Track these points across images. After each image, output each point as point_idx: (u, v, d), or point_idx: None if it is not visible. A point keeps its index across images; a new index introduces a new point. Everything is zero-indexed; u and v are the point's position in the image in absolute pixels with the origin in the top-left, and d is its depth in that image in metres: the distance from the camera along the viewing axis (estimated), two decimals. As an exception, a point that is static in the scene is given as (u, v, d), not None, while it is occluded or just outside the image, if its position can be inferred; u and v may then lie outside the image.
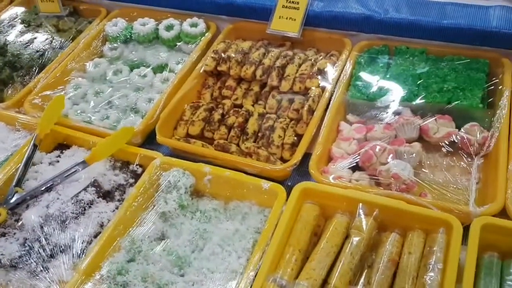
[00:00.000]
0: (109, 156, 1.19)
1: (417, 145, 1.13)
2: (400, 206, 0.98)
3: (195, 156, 1.21)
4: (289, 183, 1.17)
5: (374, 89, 1.26)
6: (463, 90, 1.19)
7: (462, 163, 1.12)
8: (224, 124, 1.28)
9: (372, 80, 1.28)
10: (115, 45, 1.59)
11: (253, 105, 1.34)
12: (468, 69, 1.24)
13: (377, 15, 1.35)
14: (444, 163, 1.14)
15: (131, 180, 1.16)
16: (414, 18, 1.32)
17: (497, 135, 1.09)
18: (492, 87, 1.22)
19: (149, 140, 1.31)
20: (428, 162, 1.15)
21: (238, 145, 1.24)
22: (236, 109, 1.32)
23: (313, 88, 1.28)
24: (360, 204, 0.99)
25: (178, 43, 1.55)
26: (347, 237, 0.97)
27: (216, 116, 1.30)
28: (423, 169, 1.14)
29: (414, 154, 1.12)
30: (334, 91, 1.27)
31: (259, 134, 1.25)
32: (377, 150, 1.10)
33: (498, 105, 1.15)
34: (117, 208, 1.09)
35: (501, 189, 0.98)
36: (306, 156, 1.14)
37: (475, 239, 0.90)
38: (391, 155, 1.10)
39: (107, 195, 1.12)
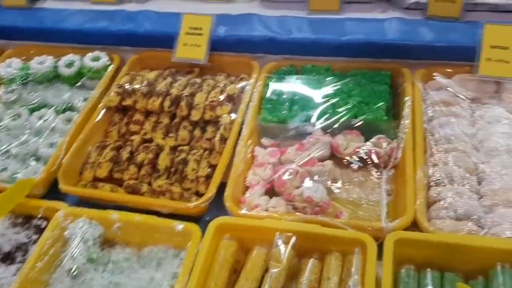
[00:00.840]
0: (9, 213, 1.11)
1: (329, 163, 1.15)
2: (315, 230, 0.99)
3: (104, 202, 1.16)
4: (208, 218, 1.14)
5: (285, 110, 1.27)
6: (368, 104, 1.24)
7: (372, 177, 1.15)
8: (133, 163, 1.23)
9: (282, 101, 1.30)
10: (11, 87, 1.50)
11: (164, 138, 1.31)
12: (372, 82, 1.29)
13: (280, 36, 1.38)
14: (356, 179, 1.17)
15: (35, 237, 1.09)
16: (316, 37, 1.36)
17: (403, 145, 1.14)
18: (396, 98, 1.28)
19: (54, 189, 1.24)
20: (342, 179, 1.18)
21: (150, 184, 1.20)
22: (146, 144, 1.28)
23: (224, 115, 1.28)
24: (277, 233, 0.99)
25: (81, 80, 1.49)
26: (266, 270, 0.96)
27: (125, 154, 1.25)
28: (337, 187, 1.16)
29: (326, 173, 1.14)
30: (245, 116, 1.27)
31: (172, 169, 1.22)
32: (290, 174, 1.11)
33: (402, 115, 1.20)
34: (18, 270, 1.01)
35: (410, 200, 1.02)
36: (224, 187, 1.13)
37: (389, 255, 0.92)
38: (304, 178, 1.11)
39: (7, 258, 1.05)
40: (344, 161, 1.19)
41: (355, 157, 1.18)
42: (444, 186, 1.06)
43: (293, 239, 0.98)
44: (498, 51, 1.19)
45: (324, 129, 1.23)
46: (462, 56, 1.24)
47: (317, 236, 0.99)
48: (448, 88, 1.25)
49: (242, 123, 1.25)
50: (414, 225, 1.00)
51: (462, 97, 1.23)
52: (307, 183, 1.10)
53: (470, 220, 0.99)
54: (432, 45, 1.27)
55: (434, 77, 1.28)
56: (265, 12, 1.47)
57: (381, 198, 1.08)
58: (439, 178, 1.05)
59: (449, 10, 1.29)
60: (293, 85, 1.33)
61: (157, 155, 1.25)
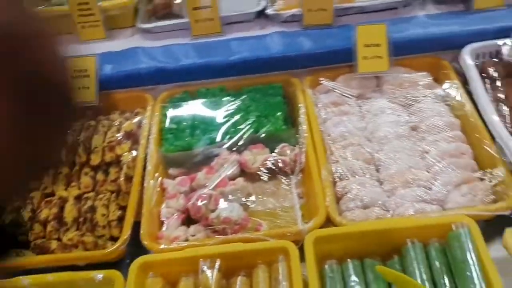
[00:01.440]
0: None
1: (240, 181, 1.20)
2: (238, 248, 1.02)
3: (13, 270, 1.09)
4: (128, 261, 1.12)
5: (187, 137, 1.30)
6: (266, 117, 1.31)
7: (283, 185, 1.22)
8: (37, 221, 1.18)
9: (183, 129, 1.33)
10: None
11: (66, 189, 1.27)
12: (266, 96, 1.37)
13: (169, 65, 1.41)
14: (269, 189, 1.23)
15: None
16: (204, 60, 1.41)
17: (305, 149, 1.22)
18: (291, 107, 1.36)
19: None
20: (255, 193, 1.23)
21: (59, 239, 1.16)
22: (48, 198, 1.24)
23: (125, 153, 1.27)
24: (201, 260, 1.01)
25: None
26: (197, 298, 0.98)
27: (26, 214, 1.19)
28: (252, 201, 1.21)
29: (239, 190, 1.18)
30: (147, 151, 1.28)
31: (81, 220, 1.18)
32: (203, 199, 1.14)
33: (299, 121, 1.29)
34: None
35: (321, 199, 1.09)
36: (139, 226, 1.12)
37: (310, 255, 0.98)
38: (218, 200, 1.14)
39: None
40: (254, 175, 1.25)
41: (264, 169, 1.24)
42: (347, 179, 1.15)
43: (217, 263, 1.01)
44: (372, 48, 1.32)
45: (230, 148, 1.28)
46: (342, 58, 1.36)
47: (241, 254, 1.02)
48: (335, 90, 1.37)
49: (145, 158, 1.26)
50: (329, 222, 1.08)
51: (348, 95, 1.35)
52: (222, 204, 1.13)
53: (376, 206, 1.09)
54: (313, 52, 1.38)
55: (321, 82, 1.39)
56: (148, 44, 1.50)
57: (294, 203, 1.15)
58: (342, 173, 1.15)
59: (323, 18, 1.41)
60: (191, 111, 1.37)
61: (62, 208, 1.20)
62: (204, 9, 1.42)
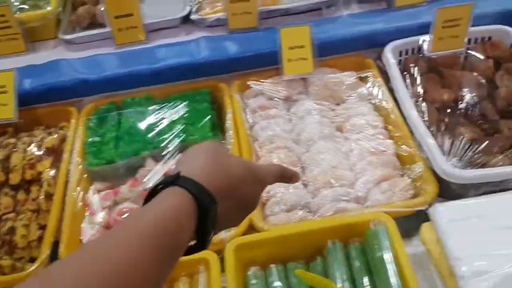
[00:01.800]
0: None
1: (165, 192, 1.19)
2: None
3: None
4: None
5: (111, 149, 1.28)
6: (193, 125, 1.30)
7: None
8: (-49, 248, 1.14)
9: (107, 141, 1.31)
10: None
11: (-14, 211, 1.23)
12: (193, 103, 1.36)
13: (93, 76, 1.39)
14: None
15: None
16: (129, 70, 1.39)
17: (231, 156, 1.22)
18: (219, 113, 1.36)
19: None
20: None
21: (-24, 265, 1.12)
22: (-35, 223, 1.20)
23: (47, 170, 1.24)
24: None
25: None
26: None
27: None
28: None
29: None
30: (70, 166, 1.25)
31: (-1, 243, 1.16)
32: (123, 213, 1.13)
33: (226, 128, 1.29)
34: None
35: (244, 206, 1.10)
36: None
37: (230, 264, 0.98)
38: (140, 212, 1.13)
39: None
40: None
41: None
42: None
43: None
44: (296, 50, 1.33)
45: (156, 159, 1.27)
46: (269, 61, 1.37)
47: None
48: (263, 93, 1.38)
49: (67, 174, 1.24)
50: (253, 228, 1.08)
51: (276, 99, 1.36)
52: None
53: (300, 209, 1.10)
54: (239, 57, 1.39)
55: (249, 86, 1.39)
56: (72, 55, 1.47)
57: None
58: (266, 177, 1.15)
59: (247, 21, 1.42)
60: (116, 122, 1.35)
61: (-20, 231, 1.17)
62: (126, 17, 1.40)
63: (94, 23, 1.54)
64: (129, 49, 1.45)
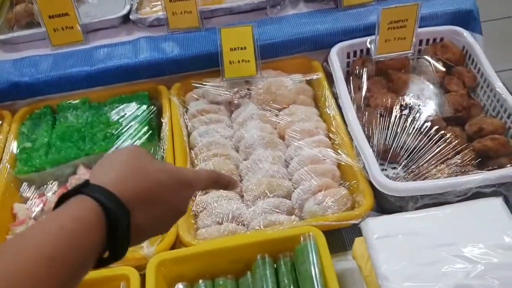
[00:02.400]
0: None
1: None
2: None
3: None
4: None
5: (41, 157, 1.21)
6: (128, 130, 1.23)
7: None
8: None
9: (38, 147, 1.24)
10: None
11: None
12: (130, 107, 1.29)
13: (25, 79, 1.32)
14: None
15: None
16: (64, 72, 1.32)
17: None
18: (160, 118, 1.30)
19: None
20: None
21: None
22: None
23: (-29, 179, 1.18)
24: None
25: None
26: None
27: None
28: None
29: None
30: (-2, 173, 1.19)
31: None
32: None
33: (161, 134, 1.23)
34: None
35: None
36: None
37: (151, 281, 0.92)
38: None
39: None
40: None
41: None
42: (207, 193, 1.10)
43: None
44: (238, 52, 1.27)
45: (89, 166, 1.21)
46: (211, 63, 1.31)
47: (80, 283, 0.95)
48: (205, 97, 1.32)
49: (-5, 183, 1.17)
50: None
51: (218, 102, 1.30)
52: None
53: (232, 221, 1.05)
54: (180, 58, 1.32)
55: (190, 89, 1.34)
56: (8, 56, 1.40)
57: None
58: (200, 187, 1.09)
59: (188, 21, 1.35)
60: (49, 127, 1.29)
61: None
62: (61, 16, 1.33)
63: (33, 22, 1.47)
64: (66, 50, 1.38)
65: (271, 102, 1.27)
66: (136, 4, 1.43)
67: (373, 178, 1.00)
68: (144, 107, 1.30)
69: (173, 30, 1.37)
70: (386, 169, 1.15)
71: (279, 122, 1.24)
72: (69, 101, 1.33)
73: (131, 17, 1.40)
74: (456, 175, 1.00)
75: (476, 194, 0.97)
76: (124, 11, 1.40)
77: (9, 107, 1.35)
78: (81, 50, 1.37)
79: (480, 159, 1.05)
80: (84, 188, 0.55)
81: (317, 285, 0.88)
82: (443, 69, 1.26)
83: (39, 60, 1.36)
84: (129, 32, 1.41)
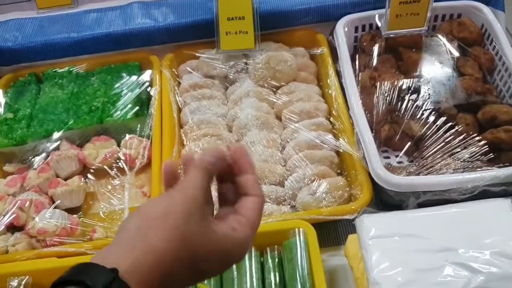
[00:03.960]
0: None
1: (74, 180, 1.07)
2: (51, 265, 0.91)
3: None
4: None
5: (23, 128, 1.15)
6: (114, 103, 1.16)
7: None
8: None
9: (20, 118, 1.17)
10: None
11: None
12: (119, 78, 1.22)
13: (9, 43, 1.24)
14: (116, 188, 1.11)
15: None
16: (50, 38, 1.23)
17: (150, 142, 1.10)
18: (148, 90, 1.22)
19: None
20: (98, 191, 1.11)
21: None
22: None
23: (-51, 150, 1.13)
24: (9, 278, 0.89)
25: None
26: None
27: None
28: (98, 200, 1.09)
29: (73, 191, 1.06)
30: (-25, 146, 1.13)
31: None
32: (23, 204, 1.01)
33: (149, 109, 1.15)
34: None
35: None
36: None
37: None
38: (40, 206, 1.01)
39: None
40: (100, 171, 1.12)
41: (111, 164, 1.12)
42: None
43: (25, 280, 0.89)
44: (236, 22, 1.18)
45: (72, 141, 1.14)
46: (207, 33, 1.22)
47: (55, 271, 0.91)
48: (198, 69, 1.23)
49: (-28, 155, 1.12)
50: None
51: (213, 76, 1.22)
52: (44, 211, 1.00)
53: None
54: (173, 26, 1.23)
55: (185, 59, 1.25)
56: (-13, 19, 1.32)
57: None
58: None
59: (185, -15, 1.25)
60: (33, 97, 1.22)
61: None
62: (47, -24, 1.24)
63: (21, -18, 1.38)
64: (53, 14, 1.29)
65: (269, 78, 1.18)
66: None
67: (373, 170, 0.92)
68: (134, 78, 1.21)
69: (169, -5, 1.27)
70: (389, 157, 1.08)
71: (276, 101, 1.15)
72: (55, 70, 1.25)
73: (121, -22, 1.29)
74: (463, 171, 0.92)
75: (484, 192, 0.89)
76: (114, -28, 1.30)
77: (-8, 73, 1.28)
78: (68, 15, 1.28)
79: (491, 152, 0.97)
80: (81, 273, 0.41)
81: (305, 284, 0.82)
82: (458, 49, 1.15)
83: (23, 24, 1.27)
84: (122, -6, 1.32)
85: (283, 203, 0.99)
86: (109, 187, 1.10)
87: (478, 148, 0.97)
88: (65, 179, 1.09)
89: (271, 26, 1.23)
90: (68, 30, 1.25)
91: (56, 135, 1.13)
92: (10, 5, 1.34)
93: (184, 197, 0.48)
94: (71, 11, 1.29)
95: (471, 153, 0.95)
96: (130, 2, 1.29)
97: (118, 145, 1.14)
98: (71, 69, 1.25)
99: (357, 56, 1.16)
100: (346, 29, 1.19)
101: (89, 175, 1.11)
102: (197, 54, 1.23)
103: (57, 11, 1.29)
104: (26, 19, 1.29)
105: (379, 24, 1.16)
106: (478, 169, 0.91)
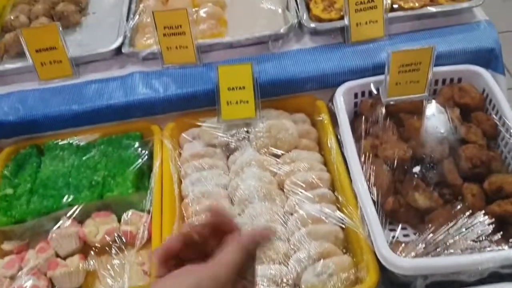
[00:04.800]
0: None
1: (74, 261, 1.04)
2: None
3: None
4: None
5: (22, 206, 1.12)
6: (114, 177, 1.13)
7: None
8: None
9: (20, 194, 1.15)
10: None
11: None
12: (120, 148, 1.19)
13: (10, 118, 1.23)
14: (117, 265, 1.07)
15: None
16: (51, 110, 1.22)
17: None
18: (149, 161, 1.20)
19: None
20: (98, 268, 1.07)
21: None
22: None
23: None
24: None
25: None
26: None
27: None
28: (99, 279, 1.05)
29: (72, 273, 1.02)
30: (-26, 225, 1.10)
31: None
32: (17, 290, 0.98)
33: (150, 181, 1.13)
34: None
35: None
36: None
37: None
38: (38, 290, 0.98)
39: None
40: (101, 248, 1.09)
41: (110, 241, 1.08)
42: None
43: None
44: (236, 92, 1.17)
45: (71, 217, 1.11)
46: (208, 101, 1.21)
47: None
48: (200, 137, 1.21)
49: (-29, 234, 1.09)
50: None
51: (214, 144, 1.20)
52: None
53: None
54: (174, 96, 1.22)
55: (187, 128, 1.23)
56: (-4, 90, 1.32)
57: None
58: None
59: (184, 56, 1.24)
60: (33, 171, 1.19)
61: None
62: (48, 50, 1.24)
63: (24, 52, 1.37)
64: (54, 85, 1.28)
65: (271, 147, 1.16)
66: (129, 35, 1.32)
67: (378, 251, 0.88)
68: (135, 149, 1.19)
69: (168, 65, 1.26)
70: (395, 229, 1.04)
71: (279, 169, 1.13)
72: (56, 141, 1.24)
73: (123, 50, 1.28)
74: (471, 251, 0.88)
75: (494, 273, 0.85)
76: (117, 44, 1.29)
77: (-6, 147, 1.26)
78: (70, 86, 1.28)
79: (499, 229, 0.93)
80: None
81: None
82: (460, 116, 1.13)
83: (25, 96, 1.27)
84: (122, 65, 1.30)
85: (285, 284, 0.95)
86: (109, 266, 1.06)
87: (485, 223, 0.93)
88: (65, 257, 1.06)
89: (271, 94, 1.22)
90: (70, 102, 1.24)
91: (55, 212, 1.11)
92: (13, 76, 1.33)
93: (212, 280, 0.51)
94: (72, 81, 1.29)
95: (479, 230, 0.91)
96: (131, 72, 1.28)
97: (119, 219, 1.11)
98: (71, 142, 1.23)
99: (358, 121, 1.15)
100: (345, 96, 1.17)
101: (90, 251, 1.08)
102: (198, 123, 1.21)
103: (59, 82, 1.29)
104: (28, 91, 1.28)
105: (375, 92, 1.15)
106: (488, 248, 0.88)
